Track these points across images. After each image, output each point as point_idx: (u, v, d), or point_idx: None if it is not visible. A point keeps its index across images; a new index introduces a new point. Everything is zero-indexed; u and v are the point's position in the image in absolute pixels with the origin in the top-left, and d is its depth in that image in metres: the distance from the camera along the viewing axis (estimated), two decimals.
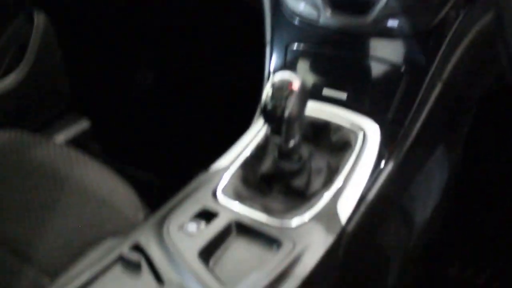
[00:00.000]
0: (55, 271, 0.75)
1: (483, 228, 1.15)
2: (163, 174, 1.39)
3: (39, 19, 1.24)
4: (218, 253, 0.63)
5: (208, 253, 0.62)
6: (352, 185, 0.69)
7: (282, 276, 0.59)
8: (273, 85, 0.64)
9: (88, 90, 1.45)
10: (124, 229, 0.78)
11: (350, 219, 0.66)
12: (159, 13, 1.48)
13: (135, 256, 0.61)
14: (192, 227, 0.65)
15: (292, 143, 0.67)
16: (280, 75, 0.65)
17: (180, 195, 0.71)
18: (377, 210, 0.71)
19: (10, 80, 1.20)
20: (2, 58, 1.23)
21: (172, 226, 0.65)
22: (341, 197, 0.68)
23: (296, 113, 0.64)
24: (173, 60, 1.56)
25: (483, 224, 1.15)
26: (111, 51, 1.51)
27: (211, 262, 0.62)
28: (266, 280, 0.58)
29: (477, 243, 1.13)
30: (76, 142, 1.25)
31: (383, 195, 0.71)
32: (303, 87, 0.64)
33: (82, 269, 0.64)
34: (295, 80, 0.64)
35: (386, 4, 0.77)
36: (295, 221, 0.65)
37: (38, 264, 0.78)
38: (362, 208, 0.68)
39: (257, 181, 0.73)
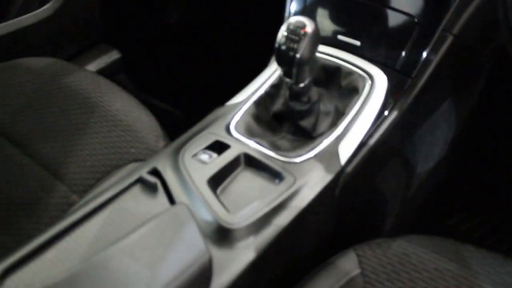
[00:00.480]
0: (83, 190, 0.81)
1: (486, 185, 1.16)
2: (184, 107, 1.43)
3: None
4: (225, 182, 0.67)
5: (216, 181, 0.66)
6: (355, 129, 0.72)
7: (281, 206, 0.64)
8: (287, 27, 0.67)
9: (119, 23, 1.47)
10: (145, 155, 0.83)
11: (349, 161, 0.70)
12: None
13: (152, 179, 0.66)
14: (204, 156, 0.70)
15: (302, 84, 0.70)
16: (295, 18, 0.67)
17: (197, 127, 0.76)
18: (377, 155, 0.74)
19: (46, 9, 1.23)
20: None
21: (187, 155, 0.70)
22: (343, 139, 0.71)
23: (307, 56, 0.66)
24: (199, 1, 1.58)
25: (487, 182, 1.16)
26: None
27: (218, 190, 0.66)
28: (266, 209, 0.63)
29: (478, 200, 1.14)
30: (106, 73, 1.28)
31: (384, 141, 0.74)
32: (315, 31, 0.66)
33: (106, 188, 0.69)
34: (309, 23, 0.66)
35: None
36: (298, 159, 0.69)
37: (68, 182, 0.83)
38: (363, 152, 0.72)
39: (268, 119, 0.77)
